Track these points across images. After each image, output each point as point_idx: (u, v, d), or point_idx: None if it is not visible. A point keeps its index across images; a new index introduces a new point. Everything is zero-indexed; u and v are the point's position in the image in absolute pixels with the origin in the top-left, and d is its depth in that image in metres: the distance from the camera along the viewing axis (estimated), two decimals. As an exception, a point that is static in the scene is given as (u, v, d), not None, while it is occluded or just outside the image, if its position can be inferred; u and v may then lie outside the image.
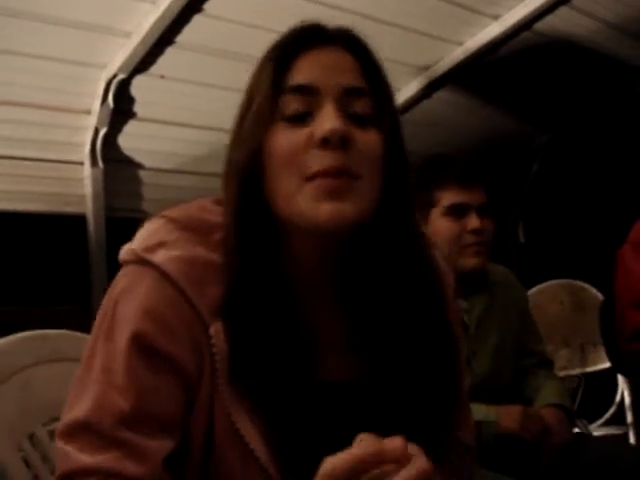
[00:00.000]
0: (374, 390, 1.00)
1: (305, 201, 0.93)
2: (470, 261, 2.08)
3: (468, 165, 2.13)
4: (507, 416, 1.94)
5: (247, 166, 0.96)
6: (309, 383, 0.97)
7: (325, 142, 0.92)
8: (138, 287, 0.94)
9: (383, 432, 0.79)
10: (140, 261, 0.95)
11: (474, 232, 2.07)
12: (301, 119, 0.96)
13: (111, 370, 0.90)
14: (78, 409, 0.89)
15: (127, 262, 0.98)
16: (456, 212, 2.08)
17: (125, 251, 0.99)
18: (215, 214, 1.00)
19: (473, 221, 2.07)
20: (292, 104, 0.96)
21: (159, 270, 0.93)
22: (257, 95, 0.98)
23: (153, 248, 0.95)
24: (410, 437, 0.79)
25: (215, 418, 0.92)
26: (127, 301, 0.93)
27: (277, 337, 0.93)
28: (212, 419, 0.92)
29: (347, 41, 1.01)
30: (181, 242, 0.95)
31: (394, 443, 0.76)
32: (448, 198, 2.08)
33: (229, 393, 0.91)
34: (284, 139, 0.95)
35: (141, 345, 0.90)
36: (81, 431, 0.88)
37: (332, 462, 0.76)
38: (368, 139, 0.96)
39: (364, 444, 0.77)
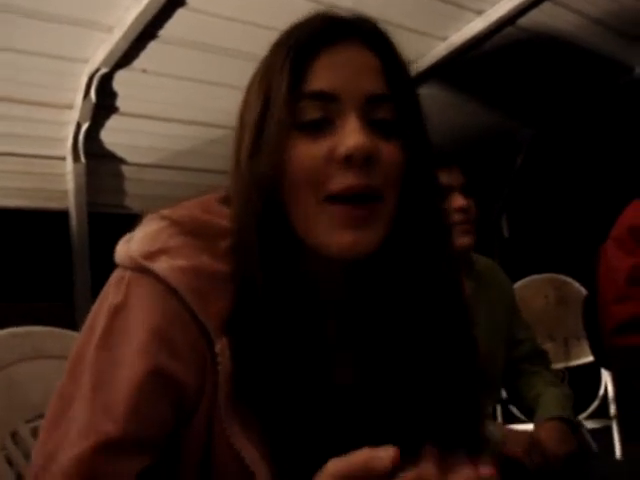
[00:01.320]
0: (384, 410, 0.94)
1: (323, 226, 0.87)
2: (460, 240, 2.09)
3: (442, 147, 2.15)
4: (514, 440, 1.95)
5: (270, 179, 0.88)
6: (316, 404, 0.91)
7: (348, 160, 0.86)
8: (139, 299, 0.87)
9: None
10: (140, 269, 0.87)
11: (460, 210, 2.08)
12: (320, 128, 0.89)
13: (103, 388, 0.84)
14: (62, 442, 0.83)
15: (125, 267, 0.90)
16: None
17: (123, 254, 0.91)
18: (221, 216, 0.93)
19: (458, 199, 2.07)
20: (311, 111, 0.89)
21: (162, 281, 0.86)
22: (273, 100, 0.90)
23: (154, 255, 0.87)
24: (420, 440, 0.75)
25: (214, 436, 0.87)
26: (128, 313, 0.86)
27: (285, 356, 0.87)
28: (211, 437, 0.87)
29: (367, 36, 0.93)
30: (185, 249, 0.88)
31: (387, 452, 0.72)
32: None
33: (229, 413, 0.86)
34: (303, 152, 0.87)
35: (153, 376, 0.84)
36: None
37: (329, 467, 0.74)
38: (391, 151, 0.90)
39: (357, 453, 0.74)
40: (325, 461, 0.76)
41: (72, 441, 0.82)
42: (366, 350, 0.96)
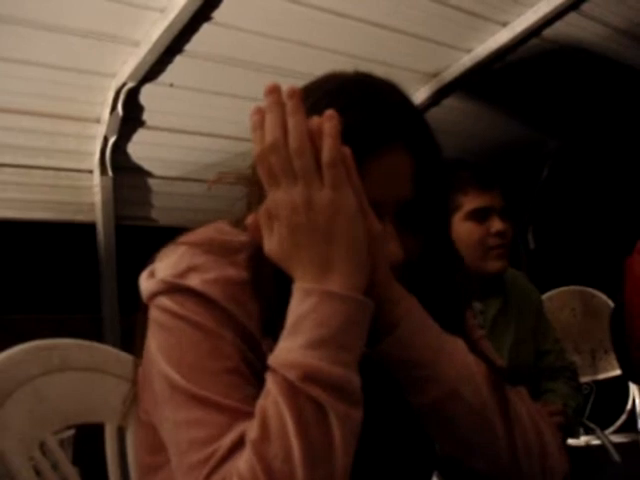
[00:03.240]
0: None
1: None
2: (494, 264, 2.09)
3: (486, 168, 2.14)
4: None
5: None
6: None
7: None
8: (184, 317, 0.90)
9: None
10: (174, 289, 0.91)
11: (498, 235, 2.08)
12: None
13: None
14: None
15: (156, 294, 0.93)
16: (479, 216, 2.08)
17: (150, 284, 0.94)
18: (234, 235, 0.98)
19: (496, 223, 2.08)
20: None
21: (200, 294, 0.90)
22: None
23: (184, 274, 0.91)
24: None
25: None
26: (182, 331, 0.90)
27: None
28: None
29: (409, 139, 0.97)
30: (211, 264, 0.92)
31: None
32: (470, 202, 2.08)
33: None
34: None
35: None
36: None
37: None
38: (413, 247, 0.98)
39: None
40: None
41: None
42: None
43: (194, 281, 0.90)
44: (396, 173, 0.95)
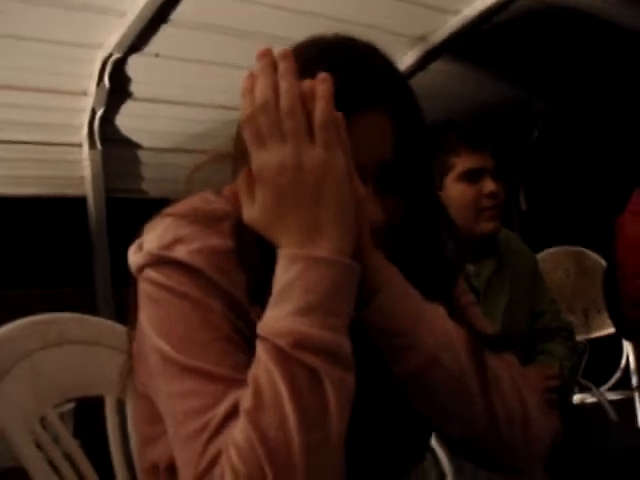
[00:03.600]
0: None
1: None
2: (487, 226, 2.10)
3: (477, 129, 2.14)
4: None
5: None
6: None
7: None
8: (170, 287, 0.91)
9: None
10: (160, 260, 0.92)
11: (491, 195, 2.08)
12: None
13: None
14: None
15: (143, 267, 0.94)
16: (471, 177, 2.08)
17: (138, 257, 0.95)
18: (219, 203, 0.98)
19: (489, 184, 2.08)
20: None
21: (185, 265, 0.90)
22: None
23: (170, 245, 0.91)
24: None
25: None
26: (169, 303, 0.91)
27: None
28: None
29: (394, 102, 0.97)
30: (196, 234, 0.92)
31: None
32: (463, 163, 2.08)
33: None
34: None
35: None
36: None
37: None
38: (395, 210, 0.98)
39: None
40: None
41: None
42: None
43: (180, 252, 0.91)
44: (376, 135, 0.95)
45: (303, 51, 0.98)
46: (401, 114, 0.97)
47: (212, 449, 0.81)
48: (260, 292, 0.88)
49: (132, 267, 0.96)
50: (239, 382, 0.84)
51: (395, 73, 1.01)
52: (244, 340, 0.89)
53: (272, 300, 0.83)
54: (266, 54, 0.88)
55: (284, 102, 0.84)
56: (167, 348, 0.88)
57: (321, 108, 0.85)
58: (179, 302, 0.90)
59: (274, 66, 0.87)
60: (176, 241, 0.92)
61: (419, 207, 1.01)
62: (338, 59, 0.95)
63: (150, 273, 0.93)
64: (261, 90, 0.86)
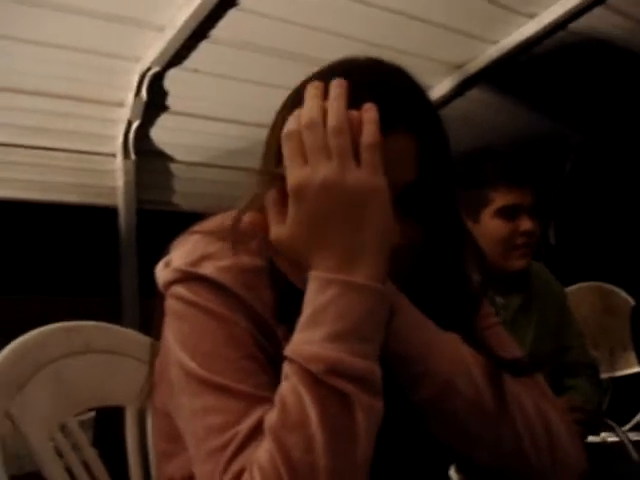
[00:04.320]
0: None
1: None
2: (518, 263, 2.06)
3: (520, 164, 2.10)
4: None
5: None
6: None
7: None
8: (198, 305, 0.91)
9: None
10: (188, 277, 0.92)
11: (526, 234, 2.04)
12: None
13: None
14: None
15: (171, 283, 0.94)
16: (509, 213, 2.04)
17: (165, 273, 0.95)
18: (245, 222, 0.95)
19: (526, 222, 2.04)
20: None
21: (213, 282, 0.90)
22: None
23: (198, 262, 0.92)
24: None
25: None
26: (195, 319, 0.91)
27: None
28: None
29: (413, 123, 0.94)
30: (224, 252, 0.92)
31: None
32: (502, 199, 2.03)
33: None
34: None
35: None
36: None
37: None
38: (414, 235, 0.95)
39: None
40: None
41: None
42: None
43: (208, 269, 0.91)
44: (400, 158, 0.92)
45: (331, 71, 0.97)
46: (425, 136, 0.95)
47: (235, 467, 0.80)
48: (288, 311, 0.88)
49: (159, 283, 0.96)
50: (263, 400, 0.84)
51: (421, 95, 0.99)
52: (269, 359, 0.89)
53: (303, 322, 0.82)
54: (316, 86, 0.88)
55: (332, 120, 0.83)
56: (191, 364, 0.88)
57: (369, 131, 0.84)
58: (205, 318, 0.89)
59: (323, 93, 0.87)
60: (204, 258, 0.92)
61: (440, 234, 0.99)
62: (362, 80, 0.93)
63: (177, 289, 0.93)
64: (309, 109, 0.85)
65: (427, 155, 0.94)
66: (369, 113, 0.85)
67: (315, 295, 0.82)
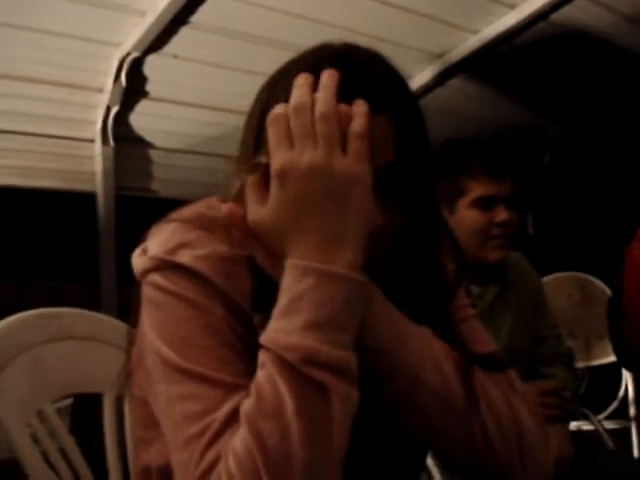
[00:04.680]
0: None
1: None
2: (494, 254, 2.06)
3: (498, 155, 2.10)
4: None
5: None
6: None
7: None
8: (174, 293, 0.91)
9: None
10: (164, 265, 0.92)
11: (502, 224, 2.04)
12: None
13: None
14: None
15: (147, 271, 0.94)
16: (485, 203, 2.04)
17: (142, 261, 0.95)
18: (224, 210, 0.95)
19: (502, 213, 2.04)
20: None
21: (190, 270, 0.91)
22: None
23: (174, 250, 0.92)
24: None
25: None
26: (173, 308, 0.91)
27: None
28: None
29: (392, 107, 0.95)
30: (201, 240, 0.93)
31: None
32: (478, 189, 2.03)
33: None
34: None
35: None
36: None
37: None
38: (394, 221, 0.96)
39: None
40: None
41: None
42: None
43: (185, 257, 0.91)
44: (377, 139, 0.91)
45: (307, 57, 0.99)
46: (403, 120, 0.96)
47: (210, 455, 0.80)
48: (265, 299, 0.88)
49: (136, 271, 0.96)
50: (240, 388, 0.84)
51: (397, 79, 1.00)
52: (246, 347, 0.89)
53: (279, 310, 0.82)
54: (307, 76, 0.87)
55: (320, 107, 0.83)
56: (168, 352, 0.88)
57: (359, 122, 0.84)
58: (182, 307, 0.90)
59: (312, 83, 0.86)
60: (180, 246, 0.92)
61: (417, 219, 0.99)
62: (340, 64, 0.92)
63: (154, 277, 0.93)
64: (297, 96, 0.85)
65: (405, 138, 0.95)
66: (360, 107, 0.85)
67: (292, 283, 0.81)
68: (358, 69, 0.95)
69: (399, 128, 0.95)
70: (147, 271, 0.94)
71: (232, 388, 0.84)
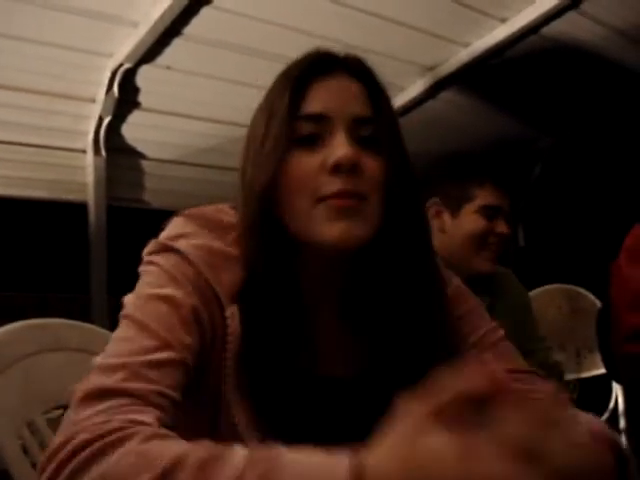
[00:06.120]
0: (374, 387, 1.04)
1: (317, 221, 1.01)
2: (485, 265, 2.15)
3: (505, 169, 2.19)
4: None
5: (266, 188, 1.03)
6: (309, 377, 1.05)
7: (337, 168, 1.00)
8: (162, 267, 1.00)
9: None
10: (164, 249, 1.02)
11: (500, 236, 2.13)
12: (313, 143, 1.04)
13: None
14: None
15: (151, 252, 1.04)
16: (489, 213, 2.14)
17: (149, 245, 1.05)
18: (230, 216, 1.08)
19: (502, 226, 2.14)
20: (305, 130, 1.04)
21: (181, 254, 1.00)
22: (274, 120, 1.05)
23: (175, 238, 1.03)
24: None
25: (221, 403, 0.98)
26: (160, 269, 1.00)
27: (284, 327, 1.01)
28: (219, 404, 0.98)
29: (354, 69, 1.09)
30: (199, 234, 1.03)
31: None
32: (485, 197, 2.14)
33: (232, 375, 0.98)
34: (298, 164, 1.03)
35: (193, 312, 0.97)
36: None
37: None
38: (373, 163, 1.04)
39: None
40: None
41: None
42: (358, 334, 1.10)
43: (181, 244, 1.02)
44: (344, 93, 1.06)
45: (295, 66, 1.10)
46: (366, 80, 1.08)
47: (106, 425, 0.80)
48: (245, 294, 1.00)
49: (144, 253, 1.06)
50: (170, 348, 0.91)
51: (358, 57, 1.11)
52: (200, 330, 0.97)
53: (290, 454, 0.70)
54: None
55: None
56: (131, 306, 0.96)
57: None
58: (160, 274, 1.00)
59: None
60: (180, 236, 1.03)
61: (394, 170, 1.05)
62: (310, 52, 1.10)
63: (152, 257, 1.03)
64: None
65: (377, 101, 1.07)
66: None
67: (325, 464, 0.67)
68: (335, 53, 1.11)
69: (370, 92, 1.07)
70: (149, 253, 1.04)
71: (165, 345, 0.91)
